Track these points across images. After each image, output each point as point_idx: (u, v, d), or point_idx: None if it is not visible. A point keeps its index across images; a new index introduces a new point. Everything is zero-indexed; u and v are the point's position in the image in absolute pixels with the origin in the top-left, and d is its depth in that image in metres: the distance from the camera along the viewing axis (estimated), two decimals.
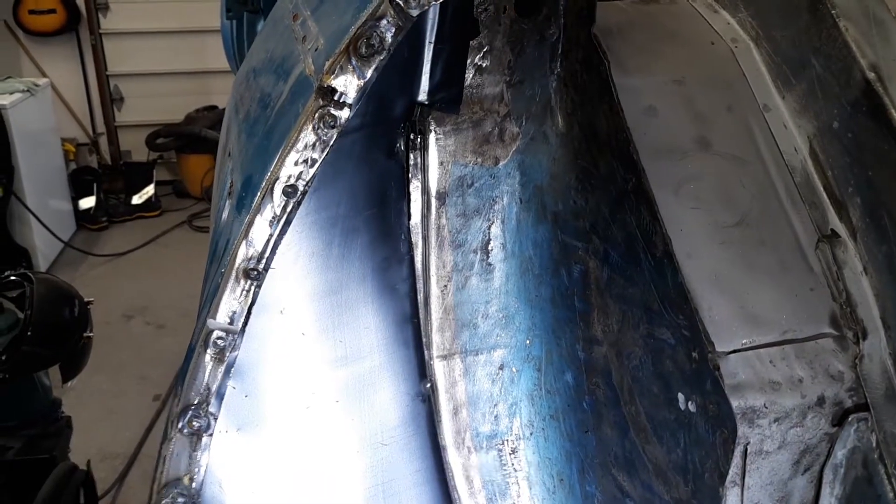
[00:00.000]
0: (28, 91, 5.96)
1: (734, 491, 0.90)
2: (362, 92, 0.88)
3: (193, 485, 0.87)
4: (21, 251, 5.70)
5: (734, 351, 0.89)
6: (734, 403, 0.86)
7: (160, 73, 7.63)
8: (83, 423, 2.71)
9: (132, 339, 5.09)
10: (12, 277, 2.57)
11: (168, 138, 7.44)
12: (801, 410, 0.89)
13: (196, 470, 0.88)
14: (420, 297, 1.23)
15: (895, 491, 0.87)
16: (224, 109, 1.69)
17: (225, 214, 1.20)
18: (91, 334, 2.62)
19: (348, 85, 0.88)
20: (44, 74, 7.17)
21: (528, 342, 1.26)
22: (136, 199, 7.23)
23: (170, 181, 7.79)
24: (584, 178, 1.11)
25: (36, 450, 2.41)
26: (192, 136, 7.23)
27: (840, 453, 0.91)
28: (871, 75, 0.91)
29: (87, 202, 6.95)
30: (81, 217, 6.90)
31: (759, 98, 1.06)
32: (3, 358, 2.27)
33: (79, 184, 6.96)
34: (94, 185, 7.01)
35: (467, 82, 1.12)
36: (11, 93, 5.76)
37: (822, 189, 0.99)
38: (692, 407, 0.92)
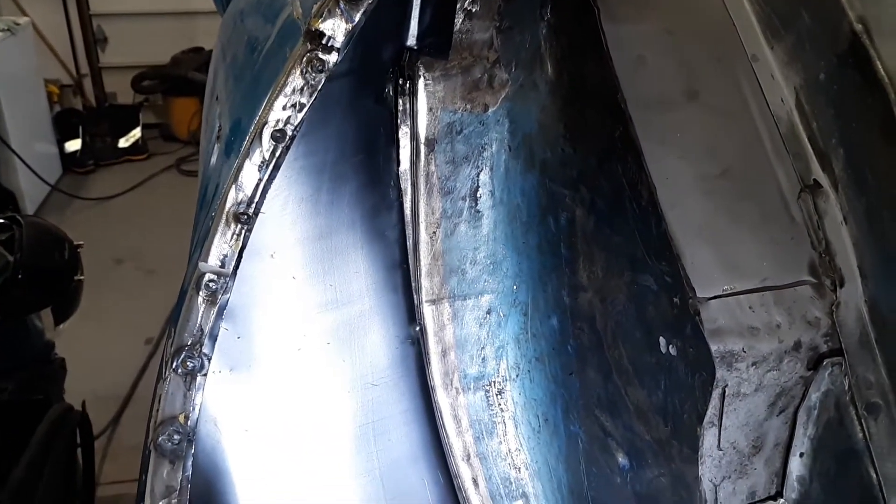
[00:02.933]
0: (9, 31, 5.82)
1: (712, 431, 0.93)
2: (350, 36, 0.88)
3: (189, 423, 0.90)
4: (7, 194, 5.63)
5: (714, 297, 0.91)
6: (713, 347, 0.89)
7: (145, 13, 7.46)
8: (77, 367, 2.74)
9: (122, 284, 5.10)
10: (1, 221, 2.56)
11: (154, 80, 7.32)
12: (777, 355, 0.92)
13: (191, 408, 0.91)
14: (409, 243, 1.25)
15: (864, 431, 0.91)
16: (210, 51, 1.67)
17: (214, 159, 1.20)
18: (82, 277, 2.64)
19: (336, 29, 0.87)
20: (24, 14, 6.99)
21: (514, 288, 1.28)
22: (123, 143, 7.15)
23: (156, 124, 7.69)
24: (572, 126, 1.12)
25: (30, 391, 2.44)
26: (179, 79, 7.12)
27: (814, 396, 0.95)
28: (858, 27, 0.91)
29: (73, 145, 6.87)
30: (67, 160, 6.82)
31: (748, 48, 1.06)
32: None
33: (64, 126, 6.85)
34: (80, 128, 6.91)
35: (456, 27, 1.11)
36: None
37: (806, 140, 1.00)
38: (673, 351, 0.95)
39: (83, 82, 7.60)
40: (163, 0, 7.39)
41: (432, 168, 1.22)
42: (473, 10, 1.11)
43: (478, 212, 1.26)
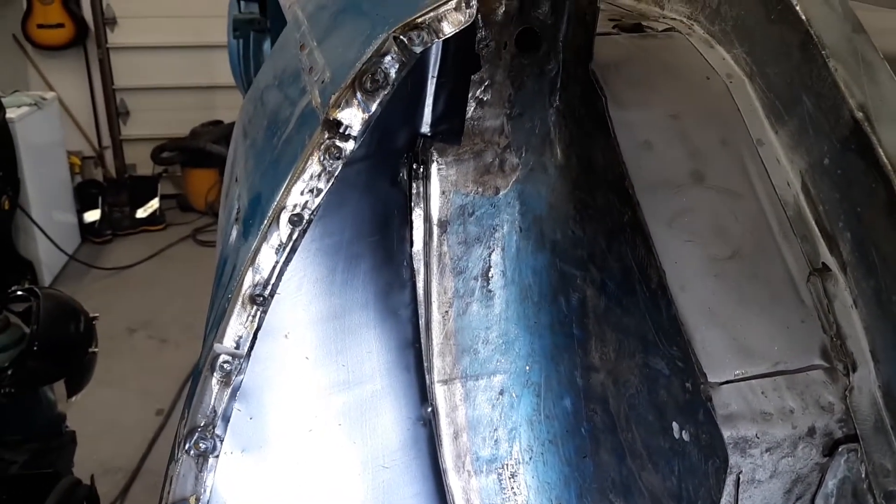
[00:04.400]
0: (35, 104, 6.02)
1: None
2: (367, 125, 0.91)
3: None
4: (26, 264, 5.74)
5: (726, 382, 0.91)
6: (726, 433, 0.88)
7: (166, 87, 7.71)
8: (86, 436, 2.73)
9: (135, 353, 5.11)
10: (18, 292, 2.60)
11: (173, 152, 7.50)
12: (792, 441, 0.91)
13: (202, 490, 0.90)
14: (421, 322, 1.26)
15: None
16: (229, 124, 1.73)
17: (232, 239, 1.23)
18: (96, 349, 2.65)
19: (353, 118, 0.91)
20: (51, 88, 7.25)
21: (527, 368, 1.28)
22: (141, 213, 7.28)
23: (174, 195, 7.84)
24: (581, 208, 1.14)
25: (40, 464, 2.43)
26: (197, 151, 7.29)
27: (831, 483, 0.93)
28: (859, 115, 0.93)
29: (92, 215, 7.00)
30: (86, 230, 6.95)
31: (753, 133, 1.08)
32: (9, 372, 2.30)
33: (84, 197, 7.01)
34: (99, 199, 7.06)
35: (469, 115, 1.15)
36: (19, 106, 5.81)
37: (813, 223, 1.02)
38: (685, 436, 0.95)
39: (104, 154, 7.80)
40: (184, 74, 7.64)
41: (445, 249, 1.24)
42: (485, 98, 1.15)
43: (490, 291, 1.27)
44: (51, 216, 6.13)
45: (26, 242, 5.79)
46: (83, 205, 6.95)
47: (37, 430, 2.57)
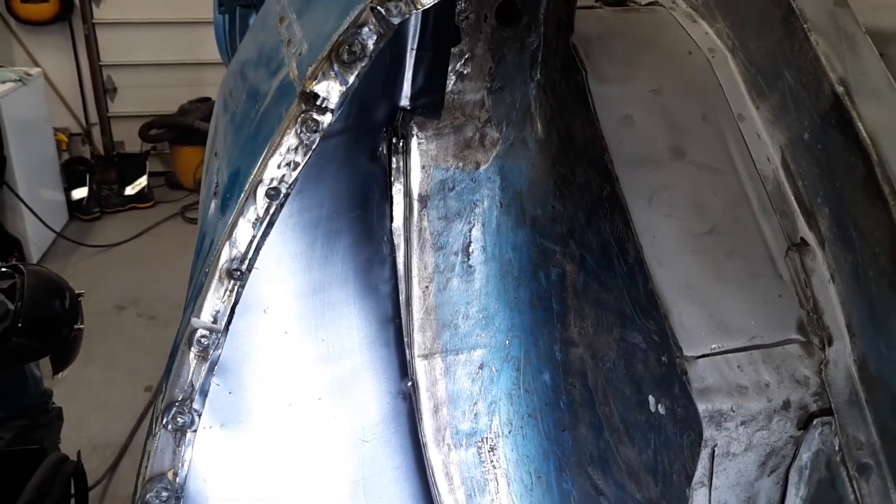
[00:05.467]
0: (20, 80, 5.94)
1: (702, 491, 0.92)
2: (344, 97, 0.90)
3: (177, 479, 0.89)
4: (13, 241, 5.70)
5: (702, 356, 0.91)
6: (701, 407, 0.88)
7: (153, 63, 7.61)
8: (74, 414, 2.73)
9: (124, 331, 5.10)
10: (3, 269, 2.58)
11: (161, 129, 7.43)
12: (767, 414, 0.91)
13: (180, 465, 0.90)
14: (402, 297, 1.26)
15: (856, 492, 0.90)
16: None
17: (210, 213, 1.22)
18: (82, 326, 2.64)
19: (330, 90, 0.89)
20: (36, 64, 7.15)
21: (507, 342, 1.28)
22: (129, 190, 7.23)
23: (163, 172, 7.79)
24: (561, 184, 1.14)
25: (26, 440, 2.42)
26: (185, 128, 7.23)
27: (805, 456, 0.94)
28: (839, 89, 0.93)
29: (80, 192, 6.94)
30: (74, 207, 6.89)
31: (734, 108, 1.08)
32: None
33: (71, 174, 6.94)
34: (87, 176, 7.00)
35: (449, 88, 1.14)
36: (3, 82, 5.73)
37: (792, 198, 1.02)
38: (661, 409, 0.95)
39: (92, 131, 7.72)
40: (171, 50, 7.55)
41: (425, 224, 1.23)
42: (465, 71, 1.14)
43: (470, 267, 1.27)
44: (38, 193, 6.08)
45: (13, 220, 5.75)
46: (71, 182, 6.89)
47: (23, 406, 2.56)
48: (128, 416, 4.19)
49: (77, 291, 2.66)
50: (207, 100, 7.41)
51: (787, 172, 1.03)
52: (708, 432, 0.89)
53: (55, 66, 7.39)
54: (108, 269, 6.02)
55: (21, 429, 2.49)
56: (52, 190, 6.56)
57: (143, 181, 7.29)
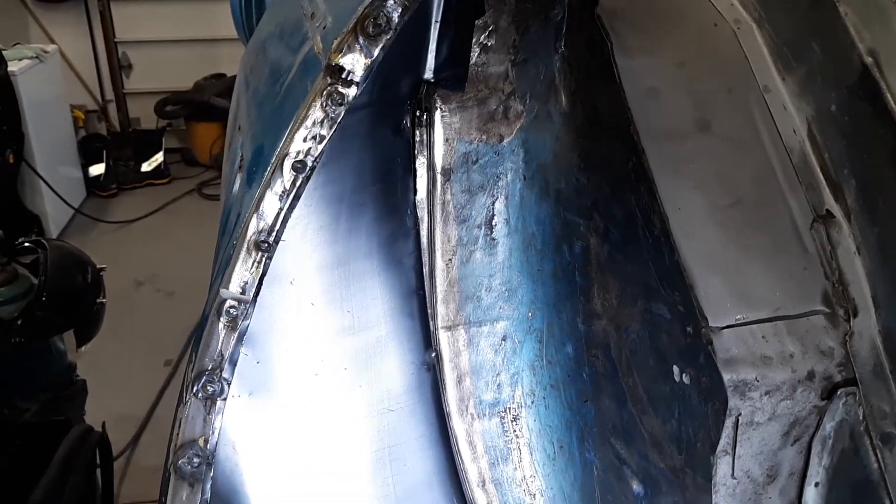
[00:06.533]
0: (37, 57, 5.95)
1: (726, 460, 0.93)
2: (369, 70, 0.91)
3: (208, 446, 0.92)
4: (32, 217, 5.75)
5: (727, 326, 0.92)
6: (726, 377, 0.89)
7: (168, 40, 7.61)
8: (96, 388, 2.77)
9: (143, 306, 5.16)
10: (26, 244, 2.61)
11: (177, 106, 7.44)
12: (791, 384, 0.92)
13: (210, 432, 0.92)
14: (425, 270, 1.27)
15: (880, 462, 0.91)
16: (233, 77, 1.71)
17: (236, 187, 1.23)
18: (104, 300, 2.68)
19: (356, 63, 0.90)
20: (52, 41, 7.16)
21: (530, 315, 1.29)
22: (146, 167, 7.27)
23: (178, 149, 7.81)
24: (586, 156, 1.14)
25: (52, 412, 2.47)
26: (201, 104, 7.23)
27: (829, 426, 0.95)
28: (868, 60, 0.92)
29: (97, 169, 6.99)
30: (91, 184, 6.94)
31: (760, 80, 1.07)
32: (19, 323, 2.32)
33: (88, 151, 6.98)
34: (104, 152, 7.04)
35: (473, 61, 1.14)
36: (20, 59, 5.75)
37: (818, 170, 1.01)
38: (686, 379, 0.96)
39: (108, 108, 7.76)
40: (186, 27, 7.53)
41: (448, 197, 1.24)
42: (489, 43, 1.14)
43: (493, 239, 1.27)
44: (56, 170, 6.12)
45: (32, 196, 5.80)
46: (88, 158, 6.93)
47: (48, 378, 2.61)
48: (149, 390, 4.26)
49: (98, 266, 2.70)
50: (223, 76, 7.41)
51: (813, 144, 1.02)
52: (732, 401, 0.90)
53: (71, 43, 7.41)
54: (125, 245, 6.08)
55: (47, 401, 2.54)
56: (69, 166, 6.60)
57: (159, 157, 7.32)
